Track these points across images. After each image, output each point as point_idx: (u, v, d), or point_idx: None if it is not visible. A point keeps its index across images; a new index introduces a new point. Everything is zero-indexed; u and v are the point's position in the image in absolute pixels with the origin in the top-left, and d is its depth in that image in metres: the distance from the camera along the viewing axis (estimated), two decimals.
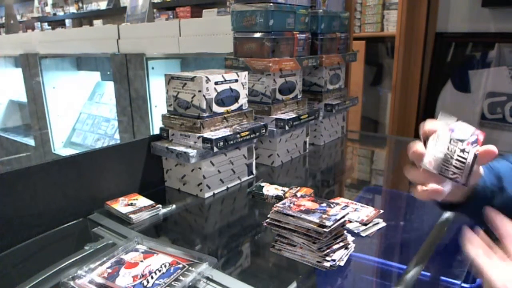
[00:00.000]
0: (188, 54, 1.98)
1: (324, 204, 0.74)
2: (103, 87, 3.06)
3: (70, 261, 0.72)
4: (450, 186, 0.57)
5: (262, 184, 1.05)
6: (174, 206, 0.99)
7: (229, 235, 0.88)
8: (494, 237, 0.51)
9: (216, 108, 1.03)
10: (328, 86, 1.47)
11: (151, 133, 2.15)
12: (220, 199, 1.05)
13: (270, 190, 1.01)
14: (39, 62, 2.74)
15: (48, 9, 6.56)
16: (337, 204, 0.74)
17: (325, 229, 0.66)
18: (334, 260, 0.67)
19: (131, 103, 2.23)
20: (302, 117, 1.26)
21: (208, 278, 0.66)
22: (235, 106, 1.09)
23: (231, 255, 0.79)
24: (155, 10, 4.45)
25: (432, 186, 0.57)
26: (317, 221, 0.67)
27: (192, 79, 0.98)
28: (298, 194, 0.81)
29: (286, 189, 1.00)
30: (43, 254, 0.84)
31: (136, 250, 0.72)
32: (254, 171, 1.18)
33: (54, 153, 2.95)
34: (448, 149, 0.56)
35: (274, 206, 0.73)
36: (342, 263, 0.69)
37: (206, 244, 0.84)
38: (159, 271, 0.65)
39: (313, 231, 0.68)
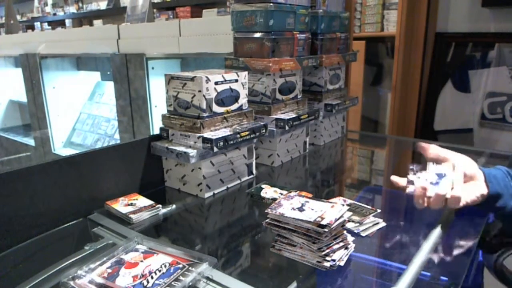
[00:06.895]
0: (188, 54, 1.97)
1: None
2: (103, 87, 3.06)
3: (70, 261, 0.72)
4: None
5: (263, 186, 1.05)
6: (174, 206, 0.99)
7: (229, 235, 0.88)
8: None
9: (216, 108, 1.03)
10: (328, 86, 1.48)
11: (151, 133, 2.15)
12: (220, 199, 1.05)
13: (268, 192, 1.01)
14: (39, 62, 2.74)
15: (48, 9, 6.56)
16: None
17: (325, 229, 0.66)
18: (334, 260, 0.67)
19: (131, 103, 2.23)
20: (302, 117, 1.26)
21: (208, 278, 0.66)
22: (235, 106, 1.09)
23: (231, 255, 0.79)
24: (155, 10, 4.45)
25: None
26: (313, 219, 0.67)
27: (192, 79, 0.98)
28: (292, 194, 0.81)
29: (284, 192, 1.00)
30: (43, 254, 0.84)
31: (136, 250, 0.72)
32: (254, 171, 1.18)
33: (54, 153, 2.95)
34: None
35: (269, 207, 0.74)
36: (342, 263, 0.69)
37: (206, 244, 0.84)
38: (159, 271, 0.65)
39: (313, 231, 0.68)
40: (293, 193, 0.82)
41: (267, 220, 0.74)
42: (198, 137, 0.98)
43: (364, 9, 2.84)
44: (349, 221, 0.83)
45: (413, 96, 2.13)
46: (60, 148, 3.00)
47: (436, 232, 0.80)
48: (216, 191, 1.06)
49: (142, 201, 0.96)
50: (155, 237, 0.85)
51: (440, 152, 0.87)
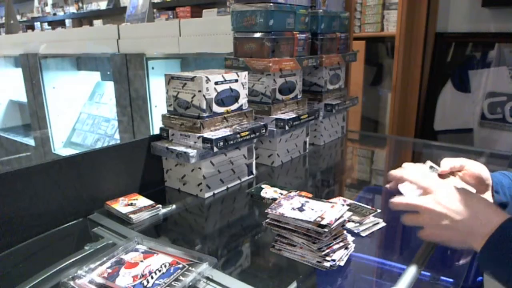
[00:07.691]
0: (188, 54, 1.97)
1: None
2: (103, 87, 3.06)
3: (70, 261, 0.72)
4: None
5: (263, 186, 1.05)
6: (174, 206, 0.99)
7: (229, 235, 0.88)
8: None
9: (216, 108, 1.03)
10: (328, 86, 1.47)
11: (151, 133, 2.15)
12: (220, 199, 1.05)
13: (268, 192, 1.01)
14: (39, 62, 2.74)
15: (48, 9, 6.56)
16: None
17: (325, 229, 0.66)
18: (334, 260, 0.67)
19: (131, 103, 2.23)
20: (302, 117, 1.26)
21: (208, 278, 0.66)
22: (235, 106, 1.09)
23: (231, 255, 0.79)
24: (155, 10, 4.45)
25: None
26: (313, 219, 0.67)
27: (192, 79, 0.98)
28: (292, 194, 0.81)
29: (284, 192, 1.00)
30: (43, 254, 0.84)
31: (136, 250, 0.72)
32: (254, 171, 1.18)
33: (54, 153, 2.95)
34: None
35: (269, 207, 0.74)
36: (342, 263, 0.69)
37: (206, 244, 0.84)
38: (159, 271, 0.65)
39: (313, 231, 0.68)
40: (293, 193, 0.82)
41: (267, 220, 0.74)
42: (198, 137, 0.98)
43: (364, 9, 2.83)
44: (349, 221, 0.83)
45: (413, 96, 2.13)
46: (60, 148, 3.00)
47: None
48: (216, 191, 1.06)
49: (142, 201, 0.96)
50: (155, 237, 0.85)
51: (454, 163, 0.82)
